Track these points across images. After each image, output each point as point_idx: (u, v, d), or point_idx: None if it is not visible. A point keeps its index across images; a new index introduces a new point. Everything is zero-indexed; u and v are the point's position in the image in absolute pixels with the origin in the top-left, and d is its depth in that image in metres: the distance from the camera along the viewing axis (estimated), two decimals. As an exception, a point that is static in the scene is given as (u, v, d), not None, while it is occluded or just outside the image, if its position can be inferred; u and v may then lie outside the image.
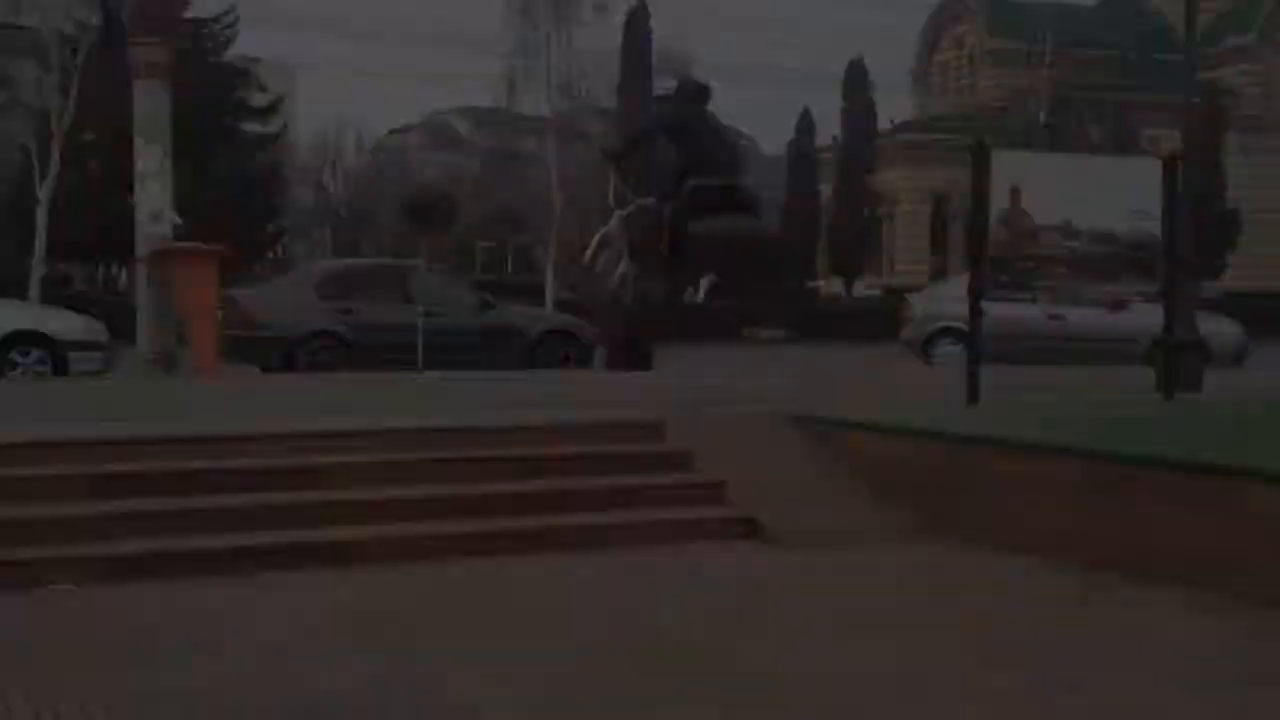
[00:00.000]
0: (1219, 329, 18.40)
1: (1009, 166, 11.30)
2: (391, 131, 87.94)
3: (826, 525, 8.41)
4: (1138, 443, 8.28)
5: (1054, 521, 8.01)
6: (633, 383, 13.97)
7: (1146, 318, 19.09)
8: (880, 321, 35.94)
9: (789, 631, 6.32)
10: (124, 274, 46.28)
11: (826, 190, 56.57)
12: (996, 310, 14.40)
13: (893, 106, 71.73)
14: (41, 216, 36.68)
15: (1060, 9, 51.64)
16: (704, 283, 16.58)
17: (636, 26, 48.01)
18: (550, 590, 7.01)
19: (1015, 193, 11.19)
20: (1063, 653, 5.89)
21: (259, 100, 53.03)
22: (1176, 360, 12.47)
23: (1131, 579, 7.34)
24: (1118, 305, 19.04)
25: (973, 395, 11.04)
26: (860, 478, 9.14)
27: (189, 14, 39.28)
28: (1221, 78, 63.85)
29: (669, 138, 15.39)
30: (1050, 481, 8.13)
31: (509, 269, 67.71)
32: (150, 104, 16.61)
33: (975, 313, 11.13)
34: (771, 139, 65.25)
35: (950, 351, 18.35)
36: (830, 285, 56.87)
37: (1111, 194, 11.62)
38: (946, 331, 19.09)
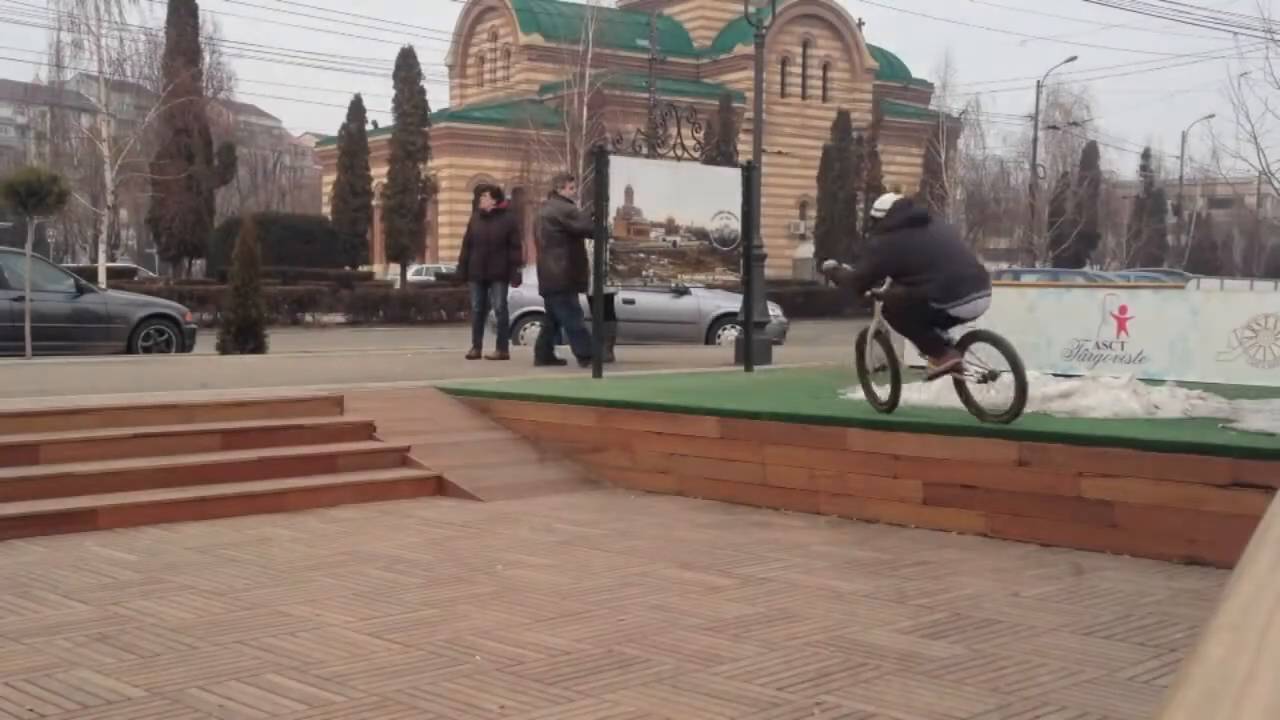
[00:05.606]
0: (770, 312, 18.66)
1: (622, 169, 11.98)
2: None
3: (505, 481, 9.08)
4: (747, 403, 9.22)
5: (695, 468, 8.91)
6: (266, 364, 14.03)
7: (704, 302, 20.35)
8: (432, 306, 36.72)
9: (517, 553, 6.95)
10: None
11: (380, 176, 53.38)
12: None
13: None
14: None
15: (589, 10, 51.47)
16: None
17: (182, 4, 44.33)
18: (298, 540, 7.25)
19: (629, 192, 11.94)
20: (732, 556, 6.88)
21: None
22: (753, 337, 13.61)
23: (762, 508, 8.48)
24: (680, 291, 19.61)
25: (598, 369, 11.97)
26: (523, 440, 9.86)
27: None
28: (731, 82, 66.91)
29: None
30: (690, 436, 8.99)
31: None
32: None
33: (598, 297, 12.02)
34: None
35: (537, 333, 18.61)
36: (387, 271, 55.56)
37: (703, 196, 12.52)
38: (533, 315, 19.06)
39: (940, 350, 7.98)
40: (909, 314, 8.09)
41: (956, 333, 8.12)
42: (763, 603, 5.80)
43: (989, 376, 7.80)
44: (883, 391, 8.57)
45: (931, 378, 8.27)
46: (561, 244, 12.97)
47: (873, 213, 8.46)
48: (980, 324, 8.11)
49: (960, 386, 7.98)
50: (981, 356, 7.93)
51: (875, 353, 8.66)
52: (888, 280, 8.22)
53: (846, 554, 6.97)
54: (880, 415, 8.35)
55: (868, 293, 8.41)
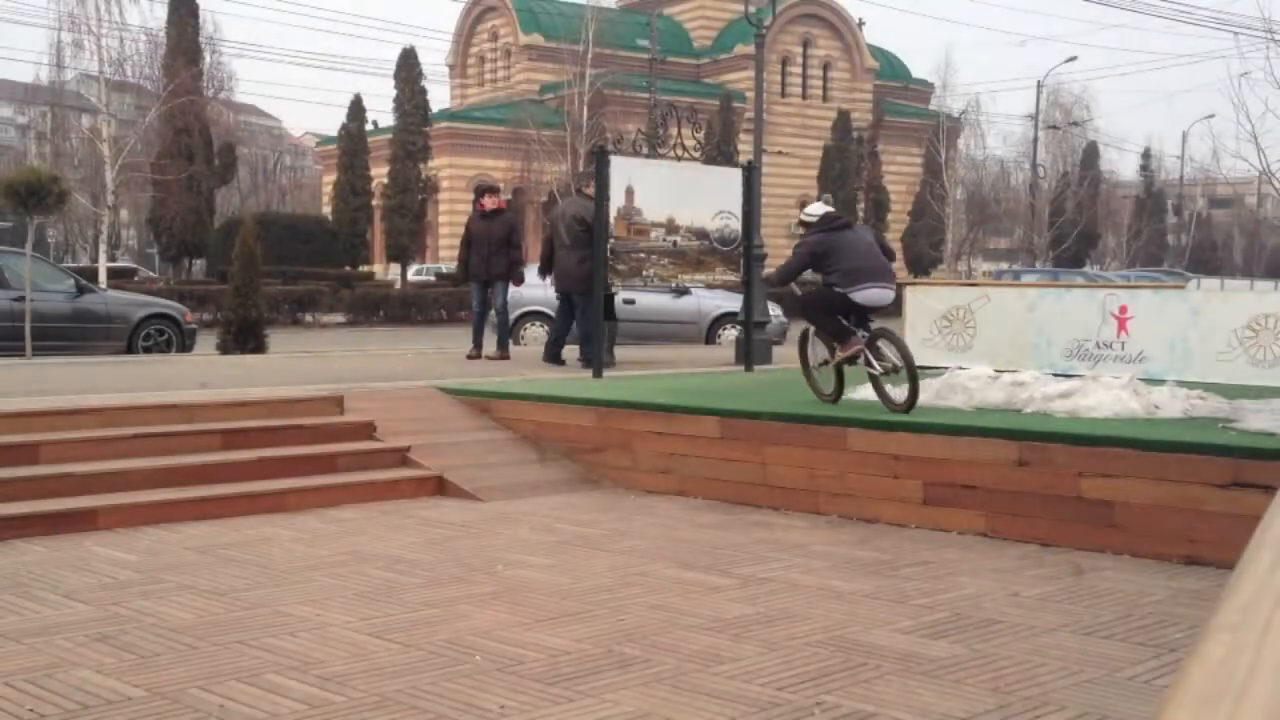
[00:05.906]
0: (771, 312, 18.51)
1: (623, 169, 11.95)
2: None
3: (506, 481, 9.06)
4: (747, 403, 9.25)
5: (695, 468, 8.86)
6: (266, 364, 14.02)
7: (704, 302, 20.31)
8: (432, 306, 36.89)
9: (518, 553, 6.94)
10: None
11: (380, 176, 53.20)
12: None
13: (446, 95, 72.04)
14: None
15: (589, 10, 51.44)
16: None
17: (182, 4, 44.21)
18: (298, 540, 7.24)
19: (629, 192, 11.92)
20: (732, 556, 6.89)
21: None
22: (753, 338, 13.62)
23: (762, 508, 8.48)
24: (681, 291, 19.49)
25: (598, 369, 12.02)
26: (523, 440, 9.86)
27: None
28: (731, 82, 67.05)
29: None
30: (690, 436, 8.98)
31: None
32: None
33: (599, 297, 12.00)
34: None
35: (537, 333, 18.83)
36: (387, 271, 55.69)
37: (703, 196, 12.52)
38: (533, 315, 19.22)
39: (846, 337, 8.85)
40: (819, 304, 9.11)
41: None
42: (763, 603, 5.81)
43: (891, 370, 8.57)
44: (829, 385, 9.23)
45: (839, 364, 8.98)
46: (587, 245, 12.65)
47: (802, 217, 9.39)
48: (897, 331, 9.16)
49: (875, 380, 8.71)
50: (888, 354, 8.65)
51: (818, 351, 9.41)
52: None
53: (846, 554, 6.98)
54: (881, 415, 8.37)
55: (791, 285, 9.60)
